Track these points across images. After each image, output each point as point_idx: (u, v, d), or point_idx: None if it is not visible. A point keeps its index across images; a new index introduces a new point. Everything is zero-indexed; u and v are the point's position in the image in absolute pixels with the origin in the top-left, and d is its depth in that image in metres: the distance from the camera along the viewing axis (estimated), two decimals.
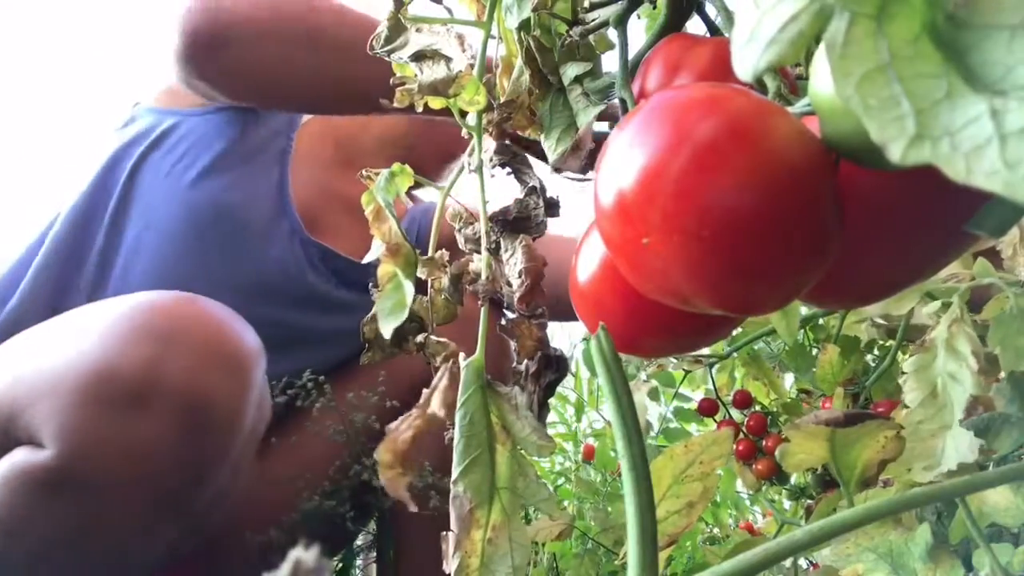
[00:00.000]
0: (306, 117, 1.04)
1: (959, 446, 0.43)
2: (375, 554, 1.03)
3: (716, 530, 1.50)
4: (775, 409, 0.97)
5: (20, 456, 0.64)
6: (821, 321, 0.89)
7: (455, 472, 0.28)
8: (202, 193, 0.91)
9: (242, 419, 0.68)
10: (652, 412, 1.26)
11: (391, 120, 1.05)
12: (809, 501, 0.96)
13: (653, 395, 1.14)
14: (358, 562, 1.15)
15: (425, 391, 0.36)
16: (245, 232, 0.93)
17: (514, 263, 0.35)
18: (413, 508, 0.37)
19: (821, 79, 0.22)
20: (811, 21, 0.18)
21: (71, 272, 0.90)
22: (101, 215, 0.91)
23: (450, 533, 0.27)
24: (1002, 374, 0.49)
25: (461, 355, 0.34)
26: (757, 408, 0.99)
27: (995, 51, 0.17)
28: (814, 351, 0.91)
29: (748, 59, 0.19)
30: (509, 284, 0.35)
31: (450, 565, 0.27)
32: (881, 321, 0.78)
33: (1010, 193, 0.14)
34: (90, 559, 0.65)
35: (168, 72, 0.88)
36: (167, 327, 0.65)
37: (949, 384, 0.45)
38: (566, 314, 0.39)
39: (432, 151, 1.05)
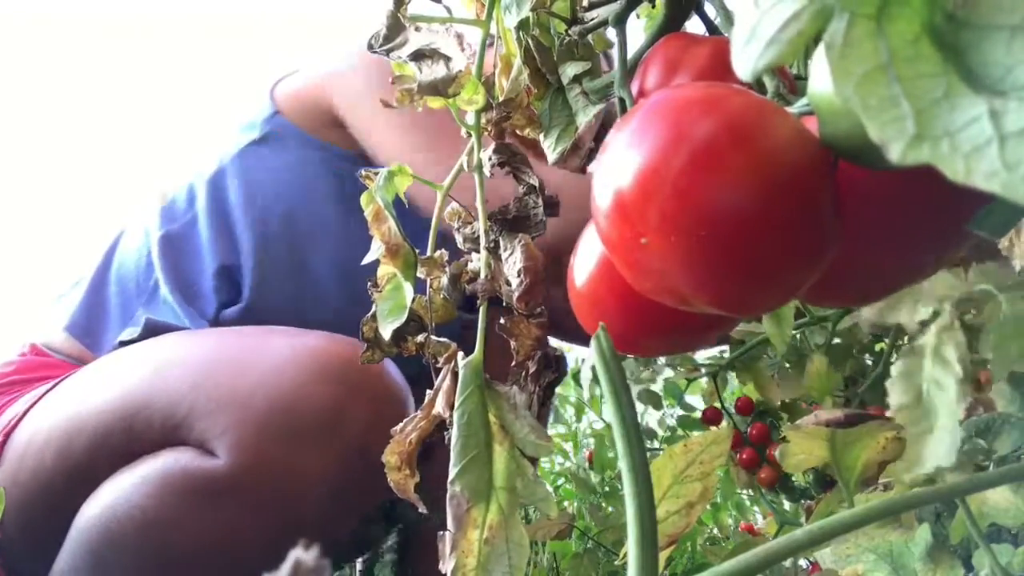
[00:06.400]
0: None
1: (937, 450, 0.42)
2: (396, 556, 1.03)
3: (716, 531, 1.50)
4: (775, 410, 0.97)
5: (187, 457, 0.67)
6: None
7: (452, 472, 0.28)
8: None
9: None
10: (655, 419, 1.26)
11: None
12: (809, 502, 0.96)
13: (656, 402, 1.14)
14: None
15: (429, 392, 0.36)
16: None
17: (513, 262, 0.35)
18: (423, 509, 0.37)
19: (820, 79, 0.22)
20: (810, 21, 0.18)
21: None
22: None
23: (447, 533, 0.27)
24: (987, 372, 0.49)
25: (460, 354, 0.34)
26: (761, 410, 0.99)
27: (995, 51, 0.16)
28: None
29: (748, 59, 0.19)
30: (508, 283, 0.35)
31: (447, 565, 0.27)
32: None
33: (1009, 194, 0.14)
34: (212, 570, 0.67)
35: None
36: (352, 376, 0.70)
37: (933, 390, 0.45)
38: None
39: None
